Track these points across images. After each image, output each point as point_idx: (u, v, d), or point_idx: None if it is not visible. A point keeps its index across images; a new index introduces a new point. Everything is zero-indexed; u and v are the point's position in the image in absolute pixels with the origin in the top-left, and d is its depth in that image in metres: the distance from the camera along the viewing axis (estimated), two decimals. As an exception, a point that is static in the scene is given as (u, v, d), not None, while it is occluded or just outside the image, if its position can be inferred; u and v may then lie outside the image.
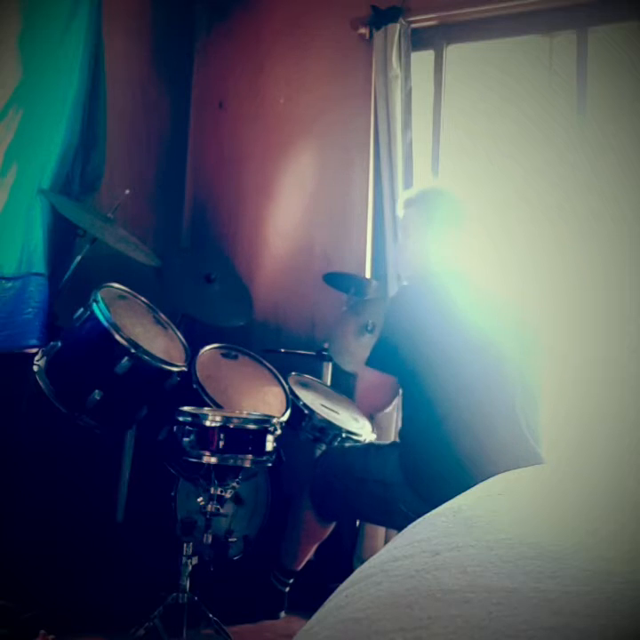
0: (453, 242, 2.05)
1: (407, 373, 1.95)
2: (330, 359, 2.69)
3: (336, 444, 2.37)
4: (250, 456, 2.00)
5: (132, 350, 2.06)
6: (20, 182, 2.40)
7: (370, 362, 2.02)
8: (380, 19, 2.89)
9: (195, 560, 1.94)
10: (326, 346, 2.66)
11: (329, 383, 2.76)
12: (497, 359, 1.93)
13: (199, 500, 2.02)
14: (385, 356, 1.98)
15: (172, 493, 2.27)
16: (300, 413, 2.39)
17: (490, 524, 0.76)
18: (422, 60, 2.99)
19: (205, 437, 1.96)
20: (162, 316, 2.38)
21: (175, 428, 2.01)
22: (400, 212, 2.79)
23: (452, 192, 2.12)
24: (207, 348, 2.48)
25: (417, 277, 2.08)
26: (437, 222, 2.05)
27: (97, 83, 2.62)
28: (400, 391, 2.06)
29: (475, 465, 1.77)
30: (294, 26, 3.23)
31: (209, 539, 1.99)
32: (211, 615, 1.97)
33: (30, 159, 2.42)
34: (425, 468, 1.92)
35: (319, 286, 2.86)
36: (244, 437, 2.00)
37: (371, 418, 2.60)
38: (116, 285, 2.28)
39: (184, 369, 2.20)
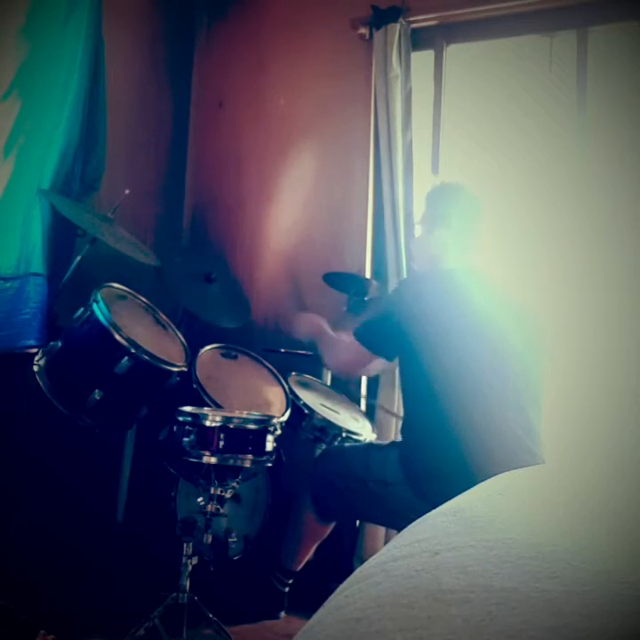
0: (464, 242, 2.05)
1: (412, 373, 1.94)
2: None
3: (336, 443, 2.37)
4: (250, 456, 2.00)
5: (132, 350, 2.06)
6: (19, 180, 2.39)
7: (361, 337, 2.02)
8: (380, 19, 2.89)
9: (195, 560, 1.94)
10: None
11: (329, 383, 2.76)
12: (502, 359, 1.93)
13: (199, 500, 2.02)
14: (380, 338, 1.99)
15: (172, 493, 2.27)
16: (300, 413, 2.39)
17: (490, 524, 0.76)
18: (422, 59, 2.99)
19: (205, 437, 1.96)
20: (162, 315, 2.38)
21: (175, 427, 2.01)
22: (401, 211, 2.81)
23: (469, 191, 2.10)
24: (207, 347, 2.48)
25: (427, 274, 2.07)
26: (447, 224, 2.04)
27: (97, 82, 2.61)
28: (400, 390, 2.07)
29: (476, 465, 1.77)
30: (294, 26, 3.23)
31: (209, 539, 1.99)
32: (211, 615, 1.97)
33: (29, 157, 2.42)
34: (426, 468, 1.92)
35: (319, 286, 2.86)
36: (244, 437, 2.00)
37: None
38: (116, 285, 2.28)
39: (184, 369, 2.20)
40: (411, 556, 0.69)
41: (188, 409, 2.04)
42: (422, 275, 2.11)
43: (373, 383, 2.85)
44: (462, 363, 1.87)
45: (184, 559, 1.92)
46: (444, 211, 2.06)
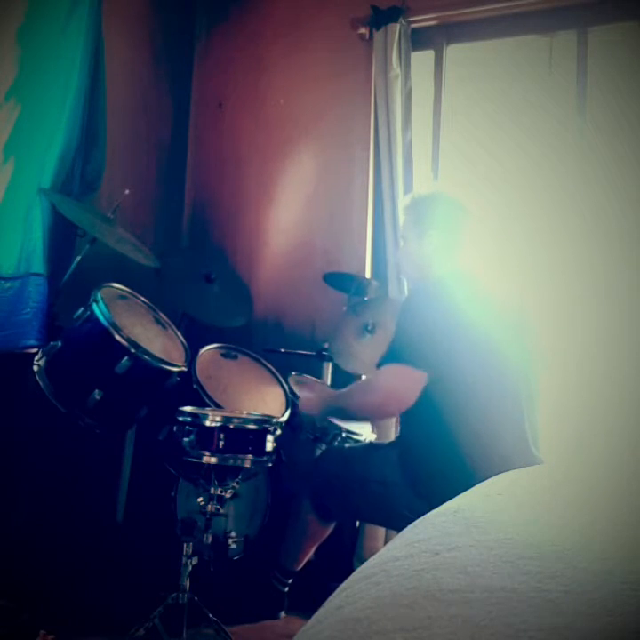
0: (455, 245, 2.04)
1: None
2: (330, 359, 2.69)
3: (336, 443, 2.37)
4: (250, 456, 2.00)
5: (132, 350, 2.06)
6: (19, 180, 2.39)
7: (402, 358, 1.85)
8: (380, 19, 2.89)
9: (195, 560, 1.94)
10: (326, 346, 2.66)
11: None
12: (501, 361, 1.92)
13: (199, 500, 2.02)
14: (410, 352, 1.87)
15: (172, 493, 2.27)
16: (300, 413, 2.39)
17: (490, 524, 0.76)
18: (422, 59, 2.99)
19: (205, 437, 1.96)
20: (162, 315, 2.38)
21: (175, 427, 2.01)
22: (400, 214, 2.81)
23: (449, 196, 2.10)
24: (207, 347, 2.48)
25: (422, 282, 2.06)
26: (435, 228, 2.04)
27: (97, 82, 2.61)
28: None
29: (475, 465, 1.76)
30: (294, 26, 3.23)
31: (209, 539, 1.99)
32: (211, 615, 1.97)
33: (29, 157, 2.42)
34: (426, 468, 1.91)
35: (319, 286, 2.86)
36: (244, 437, 2.00)
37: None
38: (116, 285, 2.28)
39: (184, 369, 2.20)
40: (411, 556, 0.69)
41: (188, 409, 2.05)
42: (419, 292, 2.04)
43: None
44: (460, 365, 1.87)
45: (184, 559, 1.92)
46: (429, 216, 2.05)
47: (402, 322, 1.93)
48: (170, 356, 2.18)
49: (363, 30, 2.98)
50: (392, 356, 1.89)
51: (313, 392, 2.17)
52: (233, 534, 2.28)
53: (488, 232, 2.11)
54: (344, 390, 2.03)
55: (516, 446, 1.90)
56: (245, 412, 2.16)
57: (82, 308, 2.14)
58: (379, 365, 1.92)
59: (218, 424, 1.96)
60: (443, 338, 1.85)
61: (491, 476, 1.11)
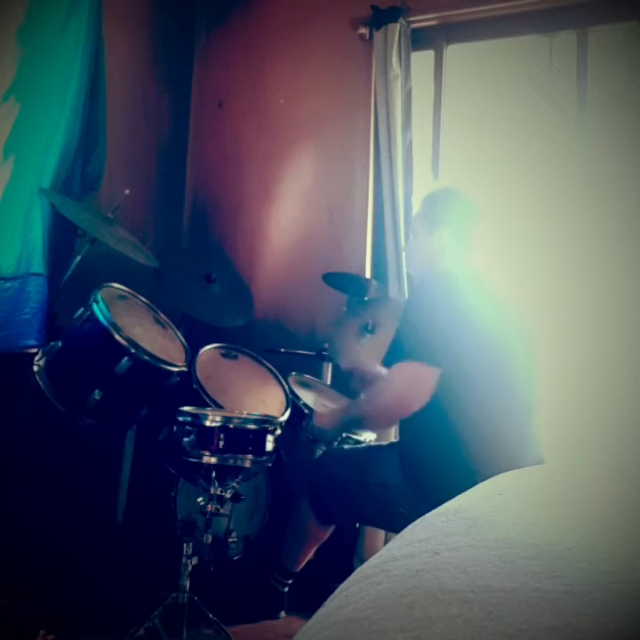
0: (464, 243, 2.04)
1: None
2: (330, 359, 2.69)
3: (336, 444, 2.36)
4: (250, 456, 2.00)
5: (132, 350, 2.06)
6: (19, 180, 2.39)
7: (413, 355, 1.82)
8: (380, 19, 2.89)
9: (195, 560, 1.94)
10: (326, 346, 2.66)
11: (329, 383, 2.76)
12: (505, 359, 1.92)
13: (199, 500, 2.02)
14: (420, 347, 1.83)
15: (172, 493, 2.27)
16: (300, 413, 2.39)
17: (490, 524, 0.76)
18: (422, 60, 2.99)
19: (205, 437, 1.96)
20: (162, 316, 2.38)
21: (175, 427, 2.01)
22: (401, 211, 2.81)
23: (464, 193, 2.09)
24: (207, 347, 2.48)
25: (429, 278, 2.05)
26: (447, 223, 2.04)
27: (97, 82, 2.61)
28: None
29: (476, 466, 1.76)
30: (294, 26, 3.23)
31: (209, 539, 1.99)
32: (211, 615, 1.97)
33: (29, 157, 2.41)
34: (427, 470, 1.90)
35: (319, 286, 2.86)
36: (244, 437, 2.00)
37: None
38: (116, 285, 2.28)
39: (184, 369, 2.20)
40: (411, 555, 0.69)
41: (187, 409, 2.05)
42: (424, 288, 2.01)
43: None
44: (462, 364, 1.86)
45: (184, 559, 1.92)
46: (443, 211, 2.05)
47: (408, 317, 1.91)
48: (170, 356, 2.18)
49: (363, 30, 2.98)
50: (401, 352, 1.86)
51: (327, 408, 2.15)
52: (233, 534, 2.28)
53: (488, 231, 2.10)
54: (356, 399, 2.01)
55: (519, 445, 1.89)
56: (245, 412, 2.16)
57: (82, 308, 2.14)
58: (386, 364, 1.90)
59: (218, 424, 1.96)
60: (448, 332, 1.84)
61: (491, 476, 1.11)
